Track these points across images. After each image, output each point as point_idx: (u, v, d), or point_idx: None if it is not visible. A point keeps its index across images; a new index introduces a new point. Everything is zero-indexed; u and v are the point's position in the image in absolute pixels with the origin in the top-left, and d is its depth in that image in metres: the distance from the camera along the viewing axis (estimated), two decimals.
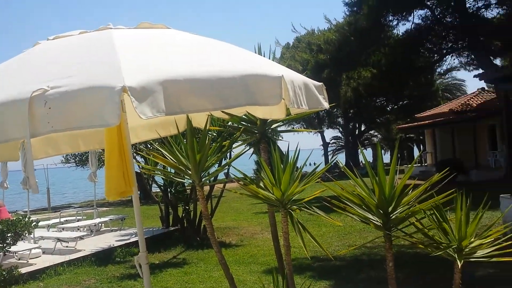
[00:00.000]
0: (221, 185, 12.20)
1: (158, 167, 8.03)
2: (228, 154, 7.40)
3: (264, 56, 4.47)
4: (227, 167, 5.69)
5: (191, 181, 4.33)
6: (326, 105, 2.99)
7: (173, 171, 4.86)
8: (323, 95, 2.99)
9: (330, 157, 47.18)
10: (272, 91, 2.45)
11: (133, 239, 12.02)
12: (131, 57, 2.35)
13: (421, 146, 35.03)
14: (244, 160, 4.49)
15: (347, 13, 24.78)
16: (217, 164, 4.75)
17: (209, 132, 4.23)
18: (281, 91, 2.45)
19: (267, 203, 4.18)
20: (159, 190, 13.96)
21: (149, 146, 11.14)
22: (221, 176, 11.03)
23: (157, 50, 2.53)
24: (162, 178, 12.04)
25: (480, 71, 20.80)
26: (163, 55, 2.48)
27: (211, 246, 11.37)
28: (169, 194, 13.22)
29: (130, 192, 2.96)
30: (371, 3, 21.31)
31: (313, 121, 39.01)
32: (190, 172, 4.11)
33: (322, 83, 3.04)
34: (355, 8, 23.86)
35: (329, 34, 26.18)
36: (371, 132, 49.46)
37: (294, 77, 2.66)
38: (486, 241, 3.56)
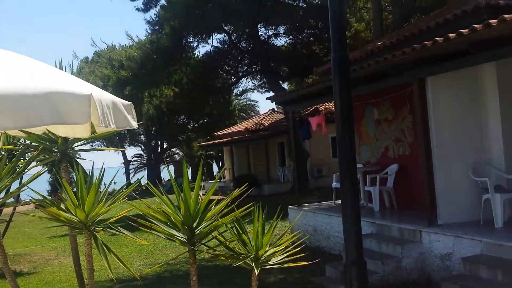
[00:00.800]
0: (11, 209, 11.07)
1: None
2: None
3: (65, 72, 4.27)
4: (21, 189, 5.22)
5: None
6: (134, 124, 3.01)
7: None
8: (131, 114, 3.00)
9: (132, 175, 46.37)
10: (80, 109, 2.38)
11: None
12: None
13: (220, 163, 36.71)
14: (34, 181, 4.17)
15: (149, 31, 24.88)
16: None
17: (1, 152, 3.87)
18: (89, 110, 2.39)
19: (69, 225, 3.98)
20: None
21: None
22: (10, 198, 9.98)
23: None
24: None
25: (271, 93, 22.81)
26: None
27: None
28: None
29: None
30: (172, 23, 21.75)
31: (114, 138, 37.88)
32: None
33: (131, 102, 3.06)
34: (157, 27, 24.10)
35: (131, 51, 25.81)
36: (173, 149, 50.16)
37: (102, 96, 2.63)
38: (279, 249, 3.96)
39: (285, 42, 26.05)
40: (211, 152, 41.00)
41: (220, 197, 4.29)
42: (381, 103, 10.38)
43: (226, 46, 25.17)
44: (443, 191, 7.44)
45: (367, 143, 11.11)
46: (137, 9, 24.53)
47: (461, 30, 6.11)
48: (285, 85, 28.62)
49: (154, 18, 24.35)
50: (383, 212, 9.40)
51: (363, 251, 3.91)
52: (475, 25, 5.90)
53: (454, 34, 6.19)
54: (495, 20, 5.60)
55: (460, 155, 7.60)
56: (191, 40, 24.17)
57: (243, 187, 4.32)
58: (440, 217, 7.36)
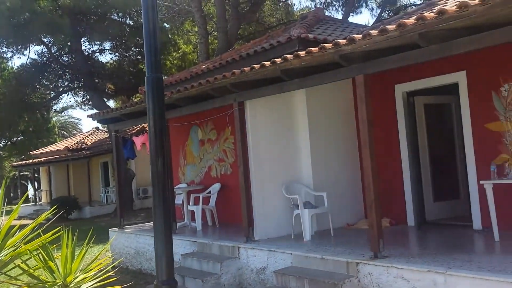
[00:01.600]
0: None
1: None
2: None
3: None
4: None
5: None
6: None
7: None
8: None
9: None
10: None
11: None
12: None
13: (36, 184, 33.85)
14: None
15: None
16: None
17: None
18: None
19: None
20: None
21: None
22: None
23: None
24: None
25: (95, 111, 21.86)
26: None
27: None
28: None
29: None
30: None
31: None
32: None
33: None
34: None
35: None
36: None
37: None
38: (90, 274, 3.75)
39: (111, 58, 25.41)
40: (26, 173, 37.65)
41: (26, 222, 3.94)
42: (205, 124, 10.66)
43: (45, 58, 23.63)
44: (260, 208, 7.86)
45: (191, 163, 11.27)
46: None
47: (275, 59, 6.61)
48: (111, 103, 27.76)
49: None
50: (205, 231, 9.58)
51: (173, 270, 3.91)
52: (287, 55, 6.43)
53: (269, 62, 6.67)
54: (304, 52, 6.17)
55: (275, 175, 8.13)
56: (4, 50, 22.21)
57: (51, 209, 4.03)
58: (256, 233, 7.75)
